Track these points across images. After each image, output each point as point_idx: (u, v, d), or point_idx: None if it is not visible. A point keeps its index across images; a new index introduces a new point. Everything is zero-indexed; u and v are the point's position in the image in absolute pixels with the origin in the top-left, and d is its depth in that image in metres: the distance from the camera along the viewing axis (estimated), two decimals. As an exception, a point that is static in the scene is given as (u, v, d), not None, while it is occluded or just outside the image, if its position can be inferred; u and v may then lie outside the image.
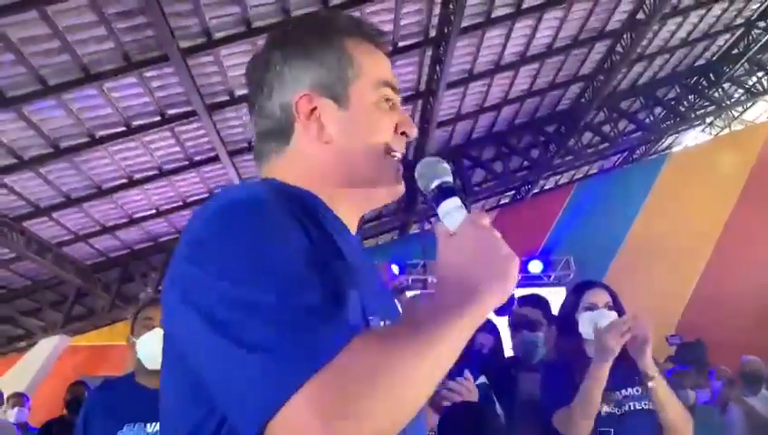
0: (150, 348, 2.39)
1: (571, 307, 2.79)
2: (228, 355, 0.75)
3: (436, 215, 0.99)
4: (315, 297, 0.77)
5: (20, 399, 6.19)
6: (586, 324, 2.71)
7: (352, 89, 1.03)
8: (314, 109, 1.02)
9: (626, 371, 2.65)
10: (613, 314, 2.70)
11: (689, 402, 4.62)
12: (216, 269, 0.80)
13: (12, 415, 5.92)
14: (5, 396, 6.10)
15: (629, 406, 2.57)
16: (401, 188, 1.08)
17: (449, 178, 1.00)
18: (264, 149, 1.06)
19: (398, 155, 1.07)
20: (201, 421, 0.83)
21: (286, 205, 0.88)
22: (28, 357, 10.03)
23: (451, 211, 0.97)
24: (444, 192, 0.99)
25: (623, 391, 2.60)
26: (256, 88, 1.06)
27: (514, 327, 3.07)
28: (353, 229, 1.08)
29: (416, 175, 1.01)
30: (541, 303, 3.15)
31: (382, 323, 0.94)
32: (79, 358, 10.04)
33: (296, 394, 0.70)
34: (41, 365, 9.77)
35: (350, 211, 1.05)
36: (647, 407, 2.56)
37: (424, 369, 0.77)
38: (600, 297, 2.75)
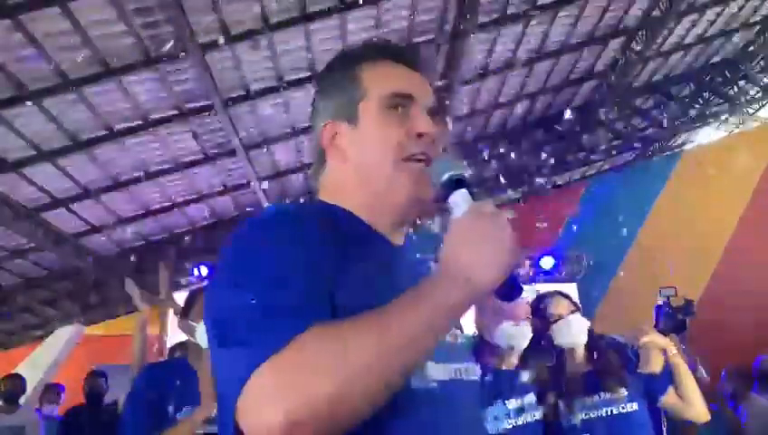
0: None
1: (542, 323, 2.75)
2: (219, 351, 0.93)
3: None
4: (288, 296, 0.90)
5: (56, 396, 6.39)
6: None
7: (360, 107, 1.11)
8: (336, 134, 1.14)
9: (597, 377, 2.68)
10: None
11: (705, 376, 4.64)
12: (220, 278, 1.00)
13: (50, 410, 6.13)
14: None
15: (605, 411, 2.59)
16: (426, 190, 1.08)
17: (460, 171, 1.00)
18: (314, 172, 1.20)
19: (422, 157, 1.08)
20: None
21: (301, 217, 1.01)
22: (44, 346, 10.18)
23: (459, 202, 0.98)
24: (454, 184, 0.99)
25: (596, 396, 2.62)
26: (310, 121, 1.21)
27: None
28: (396, 239, 1.13)
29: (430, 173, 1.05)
30: None
31: None
32: (94, 347, 10.18)
33: (255, 373, 0.84)
34: (57, 354, 9.91)
35: (384, 222, 1.12)
36: (623, 410, 2.58)
37: (374, 357, 0.84)
38: (563, 306, 2.80)
